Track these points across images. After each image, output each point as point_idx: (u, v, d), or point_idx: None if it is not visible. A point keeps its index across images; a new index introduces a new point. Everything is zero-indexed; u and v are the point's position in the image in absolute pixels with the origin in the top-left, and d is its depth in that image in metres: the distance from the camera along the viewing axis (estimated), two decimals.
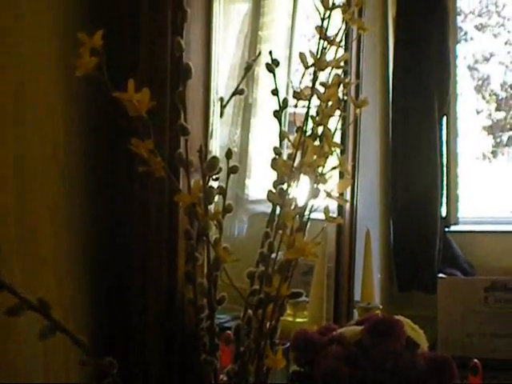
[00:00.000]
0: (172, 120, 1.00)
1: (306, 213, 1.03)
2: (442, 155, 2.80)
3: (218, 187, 1.00)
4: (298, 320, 1.67)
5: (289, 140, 1.06)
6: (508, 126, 3.41)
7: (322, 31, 1.04)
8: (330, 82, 1.05)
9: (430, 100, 2.73)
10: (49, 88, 0.98)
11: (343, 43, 1.08)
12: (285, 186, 1.01)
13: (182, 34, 0.97)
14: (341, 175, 1.08)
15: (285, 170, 1.00)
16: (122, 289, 1.05)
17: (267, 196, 1.04)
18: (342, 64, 1.06)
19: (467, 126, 3.29)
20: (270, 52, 1.09)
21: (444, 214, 2.84)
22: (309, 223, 1.05)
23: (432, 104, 2.73)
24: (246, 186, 2.06)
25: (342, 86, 1.05)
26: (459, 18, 3.22)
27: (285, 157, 1.07)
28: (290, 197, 1.00)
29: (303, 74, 1.05)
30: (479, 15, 3.39)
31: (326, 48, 1.04)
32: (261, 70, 1.17)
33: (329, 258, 1.96)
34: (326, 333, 1.34)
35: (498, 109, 3.41)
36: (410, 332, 1.31)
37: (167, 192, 1.00)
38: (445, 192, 2.83)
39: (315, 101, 1.05)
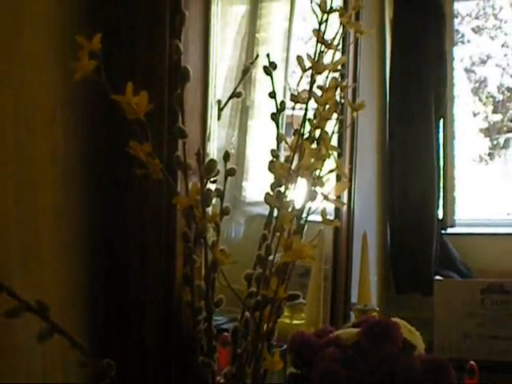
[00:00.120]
0: (170, 123, 1.00)
1: (304, 215, 1.04)
2: (438, 157, 2.81)
3: (215, 189, 1.00)
4: (295, 322, 1.67)
5: (286, 143, 1.06)
6: (505, 129, 3.42)
7: (319, 34, 1.04)
8: (327, 86, 1.05)
9: (426, 102, 2.74)
10: (48, 89, 0.99)
11: (340, 46, 1.08)
12: (282, 189, 1.01)
13: (180, 37, 0.97)
14: (338, 178, 1.08)
15: (282, 172, 1.00)
16: (119, 291, 1.06)
17: (265, 198, 1.04)
18: (339, 67, 1.06)
19: (464, 128, 3.29)
20: (268, 55, 1.09)
21: (441, 216, 2.85)
22: (306, 226, 1.05)
23: (429, 106, 2.74)
24: (244, 188, 2.06)
25: (339, 89, 1.06)
26: (456, 21, 3.23)
27: (282, 159, 1.07)
28: (288, 199, 1.00)
29: (301, 77, 1.06)
30: (476, 18, 3.40)
31: (323, 51, 1.04)
32: (258, 73, 1.17)
33: (326, 260, 1.96)
34: (323, 335, 1.34)
35: (494, 111, 3.42)
36: (407, 334, 1.31)
37: (165, 194, 1.00)
38: (441, 194, 2.83)
39: (313, 103, 1.05)
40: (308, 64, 1.04)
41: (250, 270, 1.04)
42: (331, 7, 1.05)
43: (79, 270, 1.04)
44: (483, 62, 3.39)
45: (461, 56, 3.32)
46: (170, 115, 1.01)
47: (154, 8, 1.03)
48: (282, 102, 1.10)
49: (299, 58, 1.05)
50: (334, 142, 1.07)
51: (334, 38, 1.05)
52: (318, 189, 1.00)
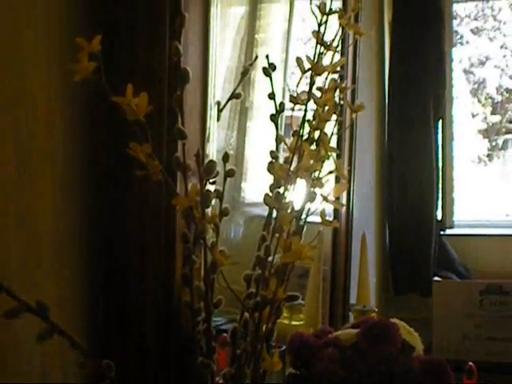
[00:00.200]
0: (169, 124, 1.00)
1: (303, 216, 1.04)
2: (437, 159, 2.81)
3: (214, 190, 1.00)
4: (294, 323, 1.67)
5: (285, 144, 1.07)
6: (503, 130, 3.42)
7: (318, 36, 1.04)
8: (326, 87, 1.05)
9: (425, 103, 2.74)
10: (48, 90, 0.99)
11: (339, 48, 1.08)
12: (281, 190, 1.01)
13: (180, 39, 0.97)
14: (337, 179, 1.09)
15: (281, 173, 1.01)
16: (119, 292, 1.06)
17: (264, 199, 1.04)
18: (338, 69, 1.07)
19: (463, 129, 3.29)
20: (267, 56, 1.10)
21: (439, 217, 2.85)
22: (305, 227, 1.05)
23: (428, 107, 2.74)
24: (242, 189, 2.07)
25: (338, 90, 1.06)
26: (455, 22, 3.22)
27: (281, 160, 1.07)
28: (287, 200, 1.00)
29: (300, 79, 1.06)
30: (475, 19, 3.40)
31: (322, 53, 1.04)
32: (257, 74, 1.17)
33: (325, 260, 1.96)
34: (322, 336, 1.34)
35: (493, 112, 3.42)
36: (406, 335, 1.31)
37: (165, 195, 1.01)
38: (440, 195, 2.83)
39: (312, 104, 1.05)
40: (307, 65, 1.05)
41: (250, 271, 1.05)
42: (330, 9, 1.05)
43: (79, 271, 1.04)
44: (482, 64, 3.39)
45: (460, 57, 3.32)
46: (169, 116, 1.01)
47: (153, 10, 1.04)
48: (282, 104, 1.10)
49: (299, 60, 1.05)
50: (333, 143, 1.07)
51: (333, 40, 1.05)
52: (317, 190, 1.01)
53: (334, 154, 1.04)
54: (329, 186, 1.01)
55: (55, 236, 1.00)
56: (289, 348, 1.32)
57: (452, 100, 3.00)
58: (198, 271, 1.03)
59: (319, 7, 1.04)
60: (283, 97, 1.86)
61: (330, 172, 1.03)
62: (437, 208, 2.81)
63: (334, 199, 1.01)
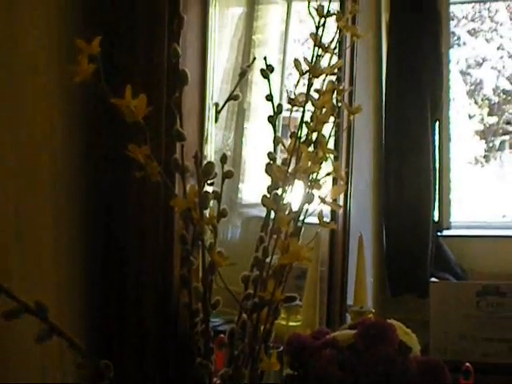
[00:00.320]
0: (168, 125, 1.00)
1: (301, 218, 1.04)
2: (434, 160, 2.81)
3: (212, 192, 1.01)
4: (292, 324, 1.67)
5: (283, 145, 1.07)
6: (500, 131, 3.42)
7: (316, 38, 1.05)
8: (324, 89, 1.05)
9: (422, 105, 2.74)
10: (47, 91, 0.99)
11: (337, 50, 1.08)
12: (279, 191, 1.01)
13: (179, 41, 0.97)
14: (334, 181, 1.09)
15: (279, 175, 1.01)
16: (118, 293, 1.06)
17: (261, 201, 1.04)
18: (336, 71, 1.07)
19: (460, 130, 3.29)
20: (265, 58, 1.10)
21: (436, 218, 2.85)
22: (303, 228, 1.05)
23: (425, 109, 2.74)
24: (240, 190, 2.07)
25: (336, 92, 1.06)
26: (452, 23, 3.22)
27: (279, 161, 1.07)
28: (285, 202, 1.01)
29: (298, 81, 1.06)
30: (472, 20, 3.40)
31: (320, 55, 1.05)
32: (254, 75, 1.17)
33: (322, 262, 1.96)
34: (320, 336, 1.34)
35: (490, 113, 3.42)
36: (403, 336, 1.31)
37: (163, 197, 1.01)
38: (437, 196, 2.83)
39: (309, 106, 1.06)
40: (305, 67, 1.05)
41: (247, 272, 1.05)
42: (328, 11, 1.05)
43: (77, 274, 1.04)
44: (479, 65, 3.39)
45: (456, 58, 3.32)
46: (168, 118, 1.01)
47: (152, 12, 1.04)
48: (279, 105, 1.11)
49: (296, 62, 1.05)
50: (331, 145, 1.07)
51: (331, 42, 1.06)
52: (314, 191, 1.01)
53: (332, 156, 1.05)
54: (326, 187, 1.02)
55: (54, 238, 1.00)
56: (286, 349, 1.32)
57: (449, 101, 3.00)
58: (196, 272, 1.04)
59: (317, 9, 1.05)
60: (281, 98, 1.86)
61: (328, 174, 1.03)
62: (434, 209, 2.81)
63: (331, 201, 1.01)
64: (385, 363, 1.24)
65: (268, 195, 1.04)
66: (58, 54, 1.00)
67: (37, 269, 0.97)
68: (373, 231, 2.68)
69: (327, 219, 1.05)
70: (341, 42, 1.11)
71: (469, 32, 3.38)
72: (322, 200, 1.00)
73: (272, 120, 1.11)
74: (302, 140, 1.05)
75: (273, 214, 1.03)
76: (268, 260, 1.01)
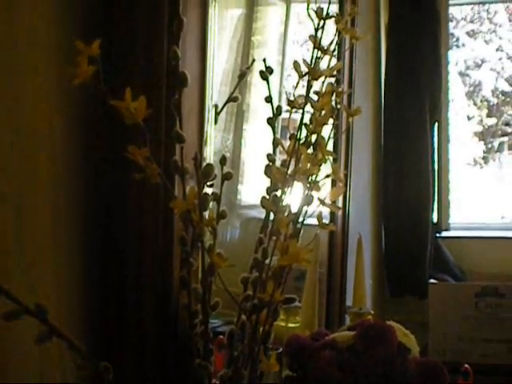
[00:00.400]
0: (168, 127, 1.00)
1: (300, 219, 1.04)
2: (433, 161, 2.81)
3: (212, 193, 1.01)
4: (291, 325, 1.67)
5: (282, 147, 1.07)
6: (499, 132, 3.42)
7: (315, 41, 1.05)
8: (323, 91, 1.06)
9: (421, 106, 2.74)
10: (47, 92, 0.99)
11: (336, 52, 1.08)
12: (278, 193, 1.02)
13: (178, 43, 0.98)
14: (333, 183, 1.09)
15: (279, 177, 1.01)
16: (117, 294, 1.06)
17: (261, 202, 1.05)
18: (335, 73, 1.07)
19: (459, 132, 3.29)
20: (264, 59, 1.10)
21: (435, 219, 2.85)
22: (302, 229, 1.05)
23: (424, 110, 2.74)
24: (239, 191, 2.07)
25: (335, 94, 1.06)
26: (451, 25, 3.22)
27: (278, 162, 1.07)
28: (284, 203, 1.01)
29: (297, 83, 1.06)
30: (471, 21, 3.40)
31: (319, 57, 1.05)
32: (253, 76, 1.17)
33: (321, 263, 1.96)
34: (319, 338, 1.34)
35: (489, 115, 3.42)
36: (402, 337, 1.31)
37: (163, 198, 1.01)
38: (436, 198, 2.83)
39: (308, 107, 1.06)
40: (305, 69, 1.05)
41: (247, 274, 1.05)
42: (327, 13, 1.05)
43: (77, 276, 1.05)
44: (478, 66, 3.39)
45: (455, 60, 3.32)
46: (167, 120, 1.01)
47: (152, 14, 1.04)
48: (279, 107, 1.11)
49: (296, 64, 1.05)
50: (330, 146, 1.07)
51: (330, 44, 1.06)
52: (314, 193, 1.01)
53: (331, 158, 1.05)
54: (325, 189, 1.02)
55: (53, 239, 1.00)
56: (285, 350, 1.32)
57: (448, 103, 3.00)
58: (196, 274, 1.04)
59: (316, 11, 1.05)
60: (280, 99, 1.86)
61: (327, 176, 1.04)
62: (433, 210, 2.81)
63: (330, 202, 1.02)
64: (384, 364, 1.24)
65: (267, 197, 1.04)
66: (57, 55, 1.00)
67: (36, 270, 0.97)
68: (372, 232, 2.69)
69: (326, 221, 1.05)
70: (340, 43, 1.11)
71: (468, 33, 3.39)
72: (321, 202, 1.00)
73: (271, 122, 1.11)
74: (301, 142, 1.05)
75: (272, 216, 1.03)
76: (267, 261, 1.01)
